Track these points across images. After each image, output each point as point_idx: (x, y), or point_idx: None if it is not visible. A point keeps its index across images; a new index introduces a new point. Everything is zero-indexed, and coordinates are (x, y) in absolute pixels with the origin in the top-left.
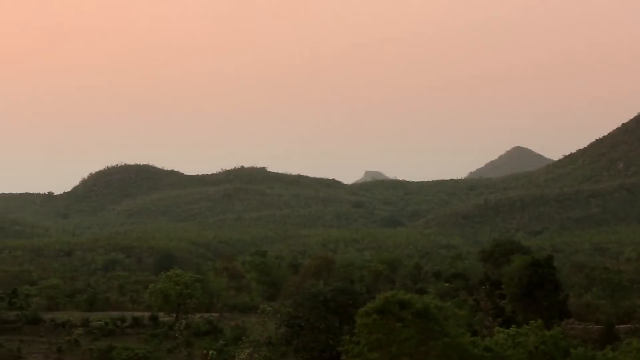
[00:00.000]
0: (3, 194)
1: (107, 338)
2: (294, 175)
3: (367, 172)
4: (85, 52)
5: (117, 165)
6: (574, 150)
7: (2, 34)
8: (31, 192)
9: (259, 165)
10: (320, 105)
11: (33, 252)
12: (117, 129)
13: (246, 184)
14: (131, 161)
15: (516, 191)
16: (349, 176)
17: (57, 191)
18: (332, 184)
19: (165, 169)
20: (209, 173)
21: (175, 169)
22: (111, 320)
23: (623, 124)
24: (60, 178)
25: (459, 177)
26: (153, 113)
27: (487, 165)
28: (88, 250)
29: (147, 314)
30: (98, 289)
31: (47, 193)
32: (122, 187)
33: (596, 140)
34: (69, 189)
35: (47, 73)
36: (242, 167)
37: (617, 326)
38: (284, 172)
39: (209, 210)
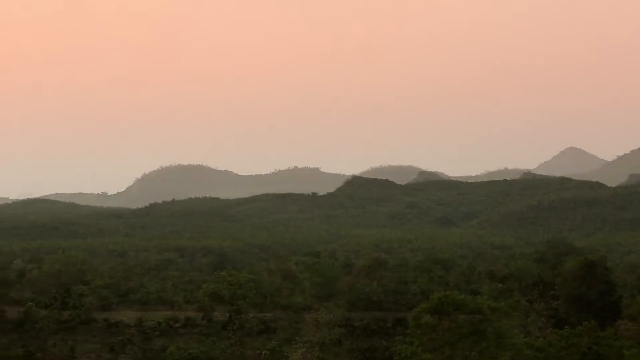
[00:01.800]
0: (57, 193)
1: (161, 338)
2: (347, 176)
3: (420, 173)
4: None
5: (170, 165)
6: (627, 151)
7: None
8: (86, 192)
9: (312, 165)
10: (376, 106)
11: (87, 252)
12: (170, 129)
13: (300, 184)
14: (185, 161)
15: (570, 192)
16: (402, 177)
17: (111, 191)
18: (385, 185)
19: (218, 169)
20: (263, 173)
21: (229, 169)
22: (164, 320)
23: None
24: (113, 178)
25: (513, 178)
26: (216, 113)
27: (540, 165)
28: (141, 250)
29: (200, 314)
30: (152, 288)
31: (100, 193)
32: (176, 186)
33: None
34: (122, 190)
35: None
36: (296, 167)
37: None
38: (338, 173)
39: (263, 210)
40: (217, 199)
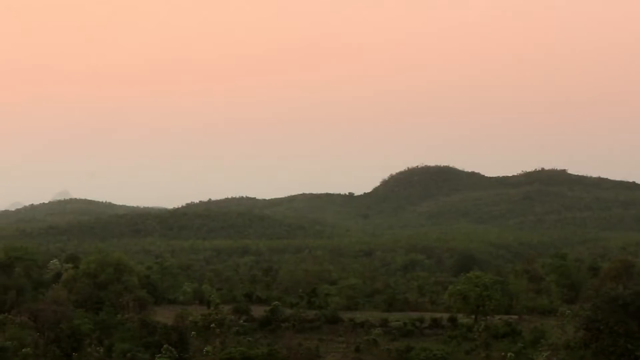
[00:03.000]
0: (304, 194)
1: (406, 338)
2: (595, 178)
3: None
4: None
5: (417, 166)
6: None
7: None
8: (332, 192)
9: (559, 167)
10: (611, 103)
11: (333, 252)
12: (418, 130)
13: (546, 186)
14: (432, 162)
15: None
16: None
17: (358, 192)
18: (632, 187)
19: (465, 170)
20: (509, 175)
21: (476, 171)
22: (410, 320)
23: None
24: (361, 179)
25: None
26: (453, 114)
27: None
28: (388, 250)
29: (446, 315)
30: (397, 289)
31: (347, 194)
32: (423, 188)
33: None
34: (369, 190)
35: (349, 77)
36: (543, 169)
37: None
38: (585, 175)
39: (509, 212)
40: (464, 200)
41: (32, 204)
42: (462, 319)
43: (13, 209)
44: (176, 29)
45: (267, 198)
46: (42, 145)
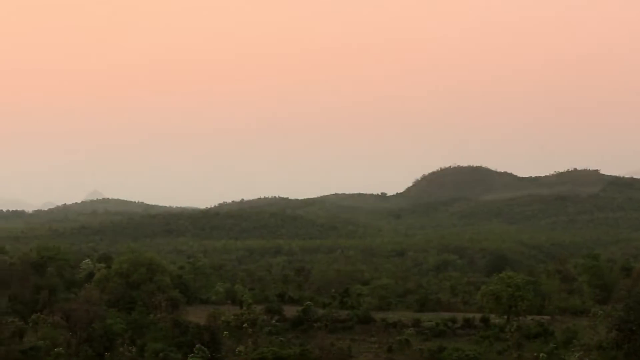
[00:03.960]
0: (337, 194)
1: (438, 339)
2: (627, 178)
3: None
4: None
5: (450, 166)
6: None
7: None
8: (365, 192)
9: (592, 167)
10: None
11: (366, 252)
12: (450, 130)
13: (579, 187)
14: (464, 162)
15: None
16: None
17: (390, 192)
18: None
19: (498, 170)
20: (542, 175)
21: (508, 171)
22: (442, 321)
23: None
24: (394, 179)
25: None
26: (484, 114)
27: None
28: (420, 251)
29: (478, 316)
30: (429, 289)
31: (380, 194)
32: (455, 188)
33: None
34: (401, 190)
35: (388, 77)
36: (575, 169)
37: None
38: (618, 175)
39: (541, 212)
40: (496, 200)
41: (65, 204)
42: (495, 319)
43: (45, 209)
44: (200, 29)
45: (299, 198)
46: (74, 145)
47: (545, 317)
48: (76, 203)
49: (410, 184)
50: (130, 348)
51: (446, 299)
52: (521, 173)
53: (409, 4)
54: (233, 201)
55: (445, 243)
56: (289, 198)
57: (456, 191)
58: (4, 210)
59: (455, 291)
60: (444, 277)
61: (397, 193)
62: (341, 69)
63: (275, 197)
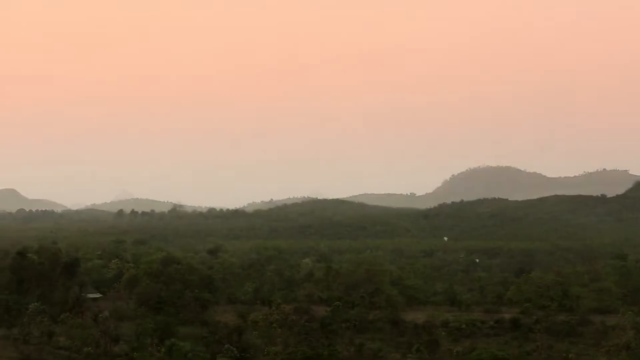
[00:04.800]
0: (366, 194)
1: (468, 339)
2: None
3: None
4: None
5: (478, 166)
6: None
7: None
8: (394, 192)
9: (621, 168)
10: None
11: (394, 252)
12: (479, 131)
13: (608, 187)
14: (494, 163)
15: None
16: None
17: (419, 192)
18: None
19: (527, 171)
20: (571, 175)
21: (537, 171)
22: (472, 321)
23: None
24: (425, 179)
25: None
26: (521, 115)
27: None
28: (449, 251)
29: (508, 316)
30: (459, 289)
31: (409, 194)
32: (485, 188)
33: None
34: (430, 190)
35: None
36: (604, 169)
37: None
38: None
39: (570, 212)
40: (506, 199)
41: (94, 204)
42: (524, 319)
43: (265, 208)
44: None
45: (329, 198)
46: (102, 146)
47: (574, 317)
48: (296, 203)
49: (439, 185)
50: (348, 347)
51: (475, 299)
52: (551, 173)
53: (438, 7)
54: (262, 201)
55: (473, 243)
56: (318, 198)
57: (485, 191)
58: (34, 210)
59: (485, 291)
60: (473, 277)
61: (426, 193)
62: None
63: (304, 197)
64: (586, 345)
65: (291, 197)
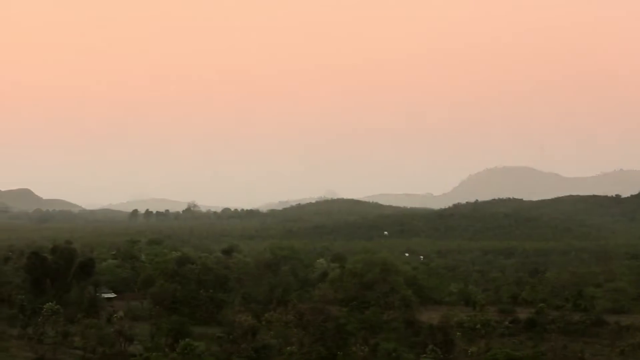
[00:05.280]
0: (571, 195)
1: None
2: None
3: None
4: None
5: (495, 167)
6: None
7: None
8: (599, 194)
9: (638, 168)
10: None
11: (599, 254)
12: (497, 131)
13: (626, 187)
14: (511, 163)
15: None
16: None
17: (625, 193)
18: None
19: (544, 171)
20: (589, 176)
21: (555, 172)
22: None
23: None
24: (442, 179)
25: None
26: (542, 116)
27: None
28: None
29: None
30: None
31: (614, 195)
32: (502, 188)
33: None
34: (448, 191)
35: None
36: (622, 169)
37: None
38: None
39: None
40: (521, 200)
41: (299, 203)
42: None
43: (280, 208)
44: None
45: (533, 199)
46: (308, 145)
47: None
48: (311, 203)
49: (457, 185)
50: (362, 347)
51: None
52: (568, 174)
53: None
54: (467, 202)
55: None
56: (523, 199)
57: (502, 191)
58: (239, 209)
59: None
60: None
61: (443, 193)
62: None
63: (509, 198)
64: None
65: (497, 198)
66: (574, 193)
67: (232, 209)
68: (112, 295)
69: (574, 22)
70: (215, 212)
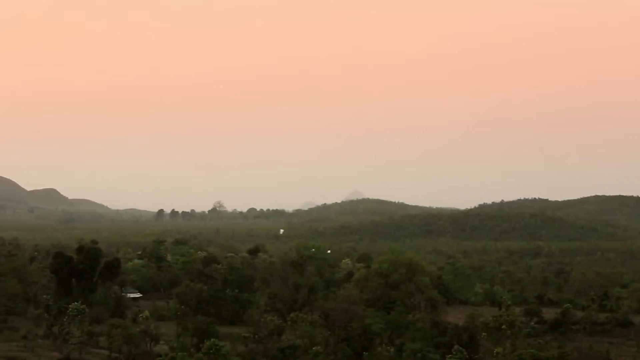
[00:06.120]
0: (597, 195)
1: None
2: None
3: None
4: None
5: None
6: None
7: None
8: (625, 194)
9: None
10: None
11: (625, 255)
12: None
13: None
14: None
15: None
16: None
17: None
18: None
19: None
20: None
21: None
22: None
23: None
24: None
25: None
26: (554, 117)
27: None
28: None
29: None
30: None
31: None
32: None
33: None
34: None
35: None
36: None
37: None
38: None
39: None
40: (547, 200)
41: (325, 204)
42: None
43: (306, 209)
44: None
45: (559, 200)
46: (334, 146)
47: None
48: (336, 203)
49: None
50: (388, 348)
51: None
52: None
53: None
54: (493, 202)
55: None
56: (549, 199)
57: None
58: (265, 209)
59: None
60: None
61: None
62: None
63: (534, 198)
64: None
65: (522, 198)
66: (600, 193)
67: (258, 209)
68: (138, 295)
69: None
70: (241, 212)
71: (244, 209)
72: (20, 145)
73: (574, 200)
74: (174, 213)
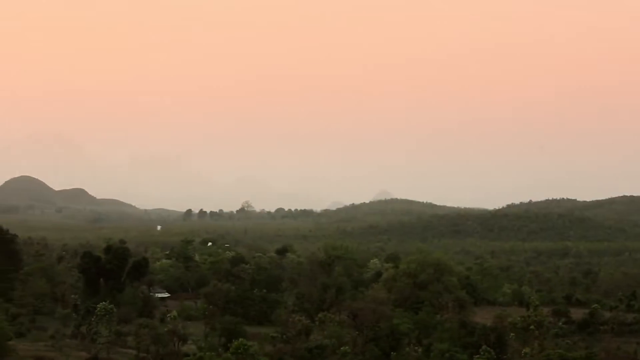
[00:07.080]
0: (625, 195)
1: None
2: None
3: None
4: None
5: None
6: None
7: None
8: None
9: None
10: None
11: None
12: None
13: None
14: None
15: None
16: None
17: None
18: None
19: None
20: None
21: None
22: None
23: None
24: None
25: None
26: (575, 116)
27: None
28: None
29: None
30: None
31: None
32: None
33: None
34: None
35: None
36: None
37: None
38: None
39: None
40: (574, 200)
41: (353, 204)
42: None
43: (334, 209)
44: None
45: (587, 200)
46: (362, 146)
47: None
48: (364, 203)
49: None
50: (416, 348)
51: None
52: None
53: None
54: (521, 202)
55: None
56: (577, 200)
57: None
58: (293, 209)
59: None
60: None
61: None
62: None
63: (563, 198)
64: None
65: (550, 198)
66: (628, 193)
67: (286, 209)
68: (166, 294)
69: None
70: (269, 212)
71: (272, 209)
72: (48, 146)
73: (602, 200)
74: (202, 213)
